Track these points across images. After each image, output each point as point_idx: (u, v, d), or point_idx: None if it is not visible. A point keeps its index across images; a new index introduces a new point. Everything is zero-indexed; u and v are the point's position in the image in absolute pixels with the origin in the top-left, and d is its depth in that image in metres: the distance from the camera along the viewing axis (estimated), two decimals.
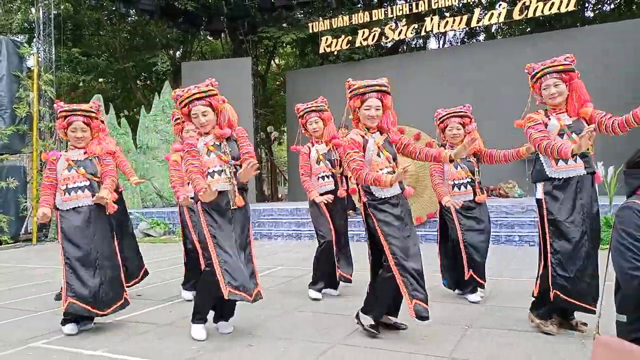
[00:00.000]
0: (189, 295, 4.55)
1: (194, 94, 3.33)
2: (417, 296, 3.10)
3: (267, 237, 9.91)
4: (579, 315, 3.31)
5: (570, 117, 3.18)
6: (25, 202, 10.86)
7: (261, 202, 16.23)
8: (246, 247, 3.39)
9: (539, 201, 3.24)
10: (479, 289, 4.26)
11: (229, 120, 3.41)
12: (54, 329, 3.68)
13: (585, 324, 3.22)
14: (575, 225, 3.07)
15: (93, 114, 3.76)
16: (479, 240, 4.11)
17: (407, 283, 3.10)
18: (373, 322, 3.28)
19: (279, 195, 21.06)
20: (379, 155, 3.28)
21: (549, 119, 3.23)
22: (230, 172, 3.35)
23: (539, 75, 3.25)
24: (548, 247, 3.15)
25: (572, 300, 3.06)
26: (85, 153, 3.75)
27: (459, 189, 4.18)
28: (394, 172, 3.23)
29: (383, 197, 3.24)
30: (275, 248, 8.51)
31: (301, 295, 4.57)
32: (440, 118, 4.27)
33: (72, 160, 3.70)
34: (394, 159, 3.34)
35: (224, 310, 3.51)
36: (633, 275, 1.90)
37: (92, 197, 3.66)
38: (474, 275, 4.11)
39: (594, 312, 3.02)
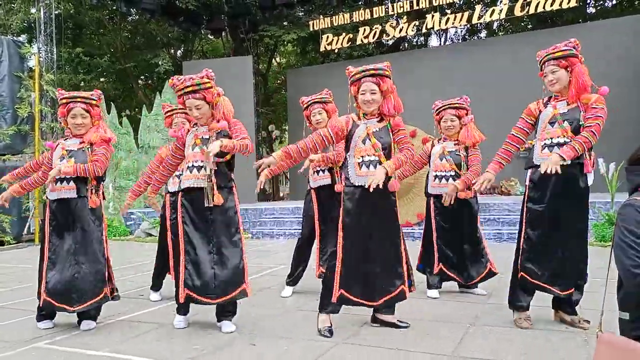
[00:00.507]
0: (157, 296, 4.61)
1: (188, 86, 3.30)
2: (343, 286, 3.21)
3: (269, 236, 9.92)
4: (581, 313, 3.30)
5: (569, 104, 3.17)
6: (28, 202, 10.88)
7: (263, 201, 16.24)
8: (232, 245, 3.37)
9: (525, 187, 3.32)
10: (478, 286, 4.29)
11: (224, 114, 3.37)
12: (57, 329, 3.69)
13: (588, 321, 3.21)
14: (547, 213, 3.14)
15: (93, 102, 3.70)
16: (451, 237, 4.17)
17: (343, 273, 3.19)
18: (329, 324, 3.28)
19: (281, 194, 21.07)
20: (364, 142, 3.22)
21: (546, 107, 3.25)
22: (210, 169, 3.32)
23: (542, 62, 3.27)
24: (522, 231, 3.24)
25: (537, 282, 3.17)
26: (81, 142, 3.67)
27: (440, 181, 4.18)
28: (380, 162, 3.18)
29: (357, 184, 3.22)
30: (277, 247, 8.51)
31: (303, 294, 4.56)
32: (436, 109, 4.27)
33: (66, 150, 3.65)
34: (384, 148, 3.23)
35: (224, 308, 3.49)
36: (635, 273, 1.89)
37: (77, 190, 3.59)
38: (444, 269, 4.17)
39: (562, 296, 3.18)
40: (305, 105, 4.49)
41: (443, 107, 4.21)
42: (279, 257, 7.25)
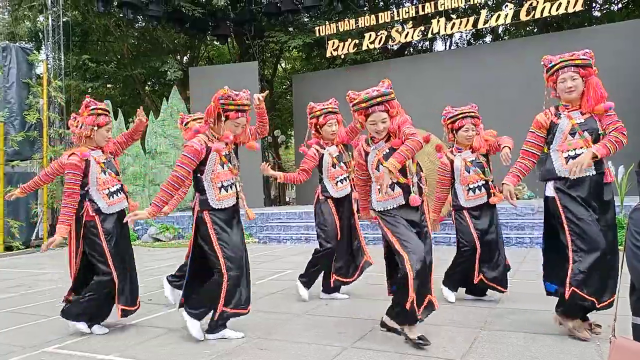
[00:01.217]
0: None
1: (245, 105, 3.34)
2: (416, 292, 3.01)
3: (276, 240, 9.92)
4: (592, 317, 3.28)
5: (583, 114, 3.14)
6: (36, 207, 10.95)
7: (269, 206, 16.25)
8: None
9: (550, 199, 3.20)
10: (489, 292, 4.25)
11: (247, 132, 3.50)
12: (66, 333, 3.71)
13: (599, 326, 3.18)
14: (594, 222, 3.02)
15: None
16: (490, 245, 4.09)
17: (415, 285, 3.00)
18: (420, 334, 3.08)
19: (287, 199, 21.09)
20: (377, 168, 3.18)
21: (559, 117, 3.18)
22: (238, 184, 3.42)
23: (556, 67, 3.19)
24: (569, 244, 3.05)
25: (590, 298, 2.97)
26: (104, 153, 3.81)
27: (474, 192, 4.10)
28: (398, 182, 3.12)
29: (378, 209, 3.22)
30: (284, 252, 8.51)
31: (311, 298, 4.56)
32: (451, 117, 4.16)
33: (102, 163, 3.74)
34: (406, 167, 3.13)
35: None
36: None
37: (126, 198, 3.83)
38: (484, 279, 4.09)
39: (598, 309, 3.03)
40: (317, 114, 4.41)
41: (462, 116, 4.10)
42: (286, 261, 7.25)
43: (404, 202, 3.13)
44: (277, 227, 10.31)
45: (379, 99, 3.10)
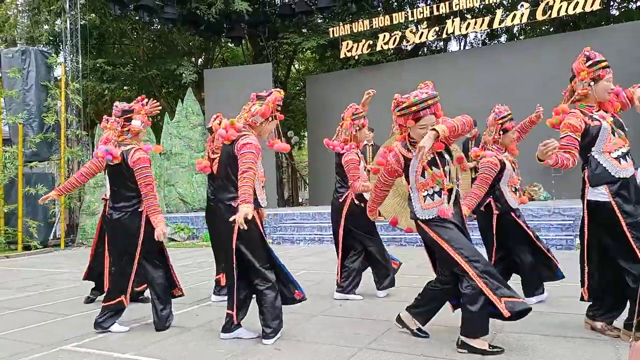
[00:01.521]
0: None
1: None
2: (504, 294, 2.85)
3: (290, 241, 9.94)
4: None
5: (607, 113, 3.14)
6: (54, 208, 11.12)
7: (282, 206, 16.29)
8: None
9: (604, 204, 3.02)
10: None
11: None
12: (84, 332, 3.76)
13: (618, 329, 3.13)
14: None
15: None
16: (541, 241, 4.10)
17: (488, 284, 2.87)
18: (489, 342, 2.99)
19: (300, 200, 21.13)
20: (423, 175, 3.06)
21: (593, 120, 3.09)
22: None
23: (603, 65, 3.10)
24: (637, 251, 2.90)
25: None
26: None
27: (516, 193, 4.08)
28: (442, 190, 3.03)
29: (424, 218, 3.08)
30: (297, 252, 8.53)
31: (325, 299, 4.56)
32: (503, 117, 4.06)
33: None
34: (446, 173, 3.04)
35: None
36: None
37: None
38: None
39: None
40: (359, 115, 4.41)
41: (509, 118, 4.06)
42: (300, 262, 7.26)
43: (436, 214, 3.05)
44: (291, 228, 10.33)
45: (430, 102, 2.99)
